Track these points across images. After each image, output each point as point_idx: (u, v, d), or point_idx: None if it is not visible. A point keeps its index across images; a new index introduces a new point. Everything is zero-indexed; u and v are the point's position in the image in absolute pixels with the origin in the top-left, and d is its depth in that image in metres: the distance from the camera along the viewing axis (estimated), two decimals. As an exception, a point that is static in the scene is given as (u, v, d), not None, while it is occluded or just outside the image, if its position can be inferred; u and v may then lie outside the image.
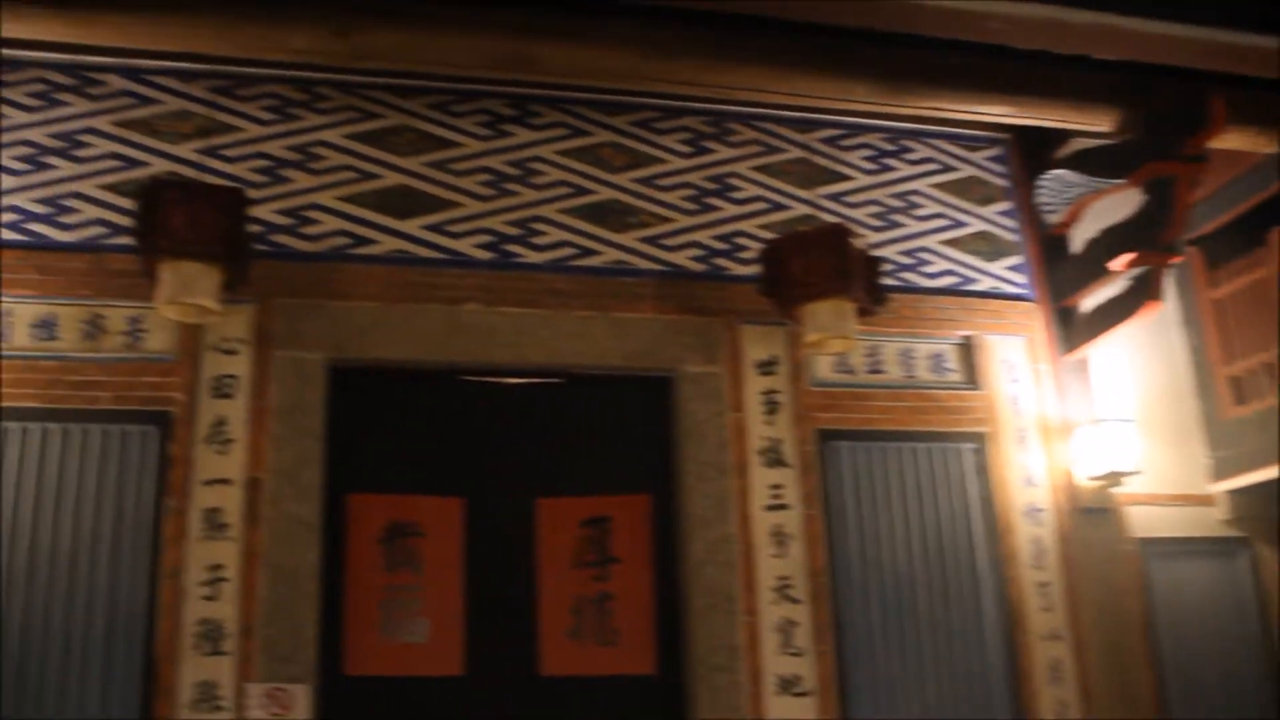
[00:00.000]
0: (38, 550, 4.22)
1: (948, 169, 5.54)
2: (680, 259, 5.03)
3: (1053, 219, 5.48)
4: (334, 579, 4.44)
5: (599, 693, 4.52)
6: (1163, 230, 4.79)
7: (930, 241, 5.37)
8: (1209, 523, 5.56)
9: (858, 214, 5.29)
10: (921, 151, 5.53)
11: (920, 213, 5.41)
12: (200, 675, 4.14)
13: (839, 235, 4.45)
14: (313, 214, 4.78)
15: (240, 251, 4.15)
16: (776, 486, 4.75)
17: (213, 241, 4.05)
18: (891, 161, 5.47)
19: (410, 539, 4.55)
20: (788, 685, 4.52)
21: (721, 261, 5.06)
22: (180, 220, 4.04)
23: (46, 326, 4.47)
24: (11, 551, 4.20)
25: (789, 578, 4.64)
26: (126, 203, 4.54)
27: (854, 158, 5.42)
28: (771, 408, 4.86)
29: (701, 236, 5.09)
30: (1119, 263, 4.89)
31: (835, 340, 4.45)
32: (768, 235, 4.99)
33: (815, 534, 4.73)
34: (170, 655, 4.15)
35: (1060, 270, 5.39)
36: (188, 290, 4.01)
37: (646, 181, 5.13)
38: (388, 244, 4.79)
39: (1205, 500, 5.59)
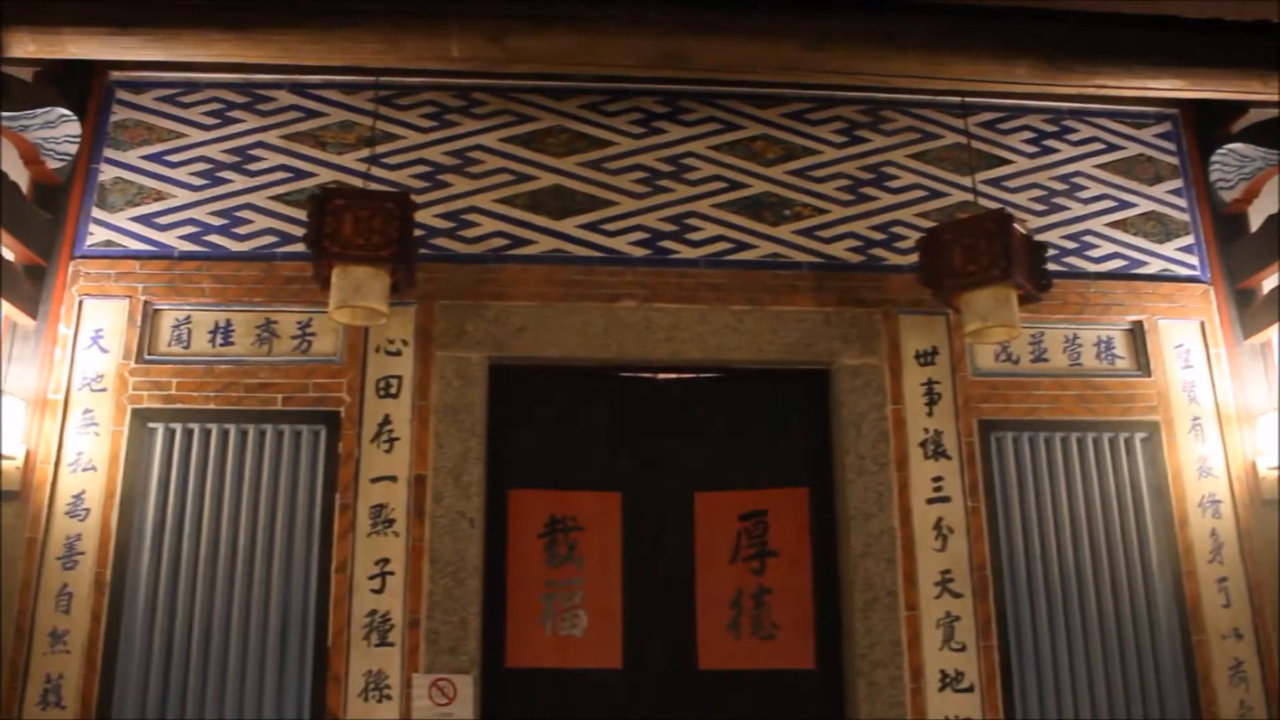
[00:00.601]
0: (218, 546, 4.50)
1: (1113, 148, 5.31)
2: (836, 250, 4.98)
3: (1228, 196, 5.20)
4: (496, 573, 4.57)
5: (758, 687, 4.54)
6: (1352, 205, 4.51)
7: (1096, 224, 5.16)
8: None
9: (1018, 199, 5.13)
10: (1085, 131, 5.32)
11: (1084, 195, 5.21)
12: (369, 665, 4.34)
13: (1000, 221, 4.32)
14: (472, 216, 4.92)
15: (408, 254, 4.30)
16: (938, 479, 4.67)
17: (381, 246, 4.20)
18: (1053, 143, 5.28)
19: (570, 533, 4.65)
20: (951, 681, 4.46)
21: (879, 251, 4.99)
22: (350, 226, 4.21)
23: (223, 332, 4.74)
24: (194, 547, 4.49)
25: (951, 571, 4.56)
26: (295, 212, 4.79)
27: (1014, 141, 5.26)
28: (932, 399, 4.78)
29: (858, 227, 5.03)
30: (1304, 241, 4.62)
31: (997, 329, 4.33)
32: (926, 224, 4.89)
33: (978, 527, 4.63)
34: (340, 646, 4.36)
35: (1237, 250, 5.11)
36: (359, 294, 4.17)
37: (800, 173, 5.10)
38: (545, 243, 4.90)
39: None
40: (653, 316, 4.78)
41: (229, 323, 4.75)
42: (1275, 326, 4.89)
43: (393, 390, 4.64)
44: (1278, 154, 4.96)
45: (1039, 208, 5.14)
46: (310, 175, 4.93)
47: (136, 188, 4.91)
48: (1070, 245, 5.10)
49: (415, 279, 4.53)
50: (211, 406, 4.61)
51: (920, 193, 5.12)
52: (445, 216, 4.91)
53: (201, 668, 4.38)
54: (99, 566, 4.40)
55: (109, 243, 4.81)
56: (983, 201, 4.85)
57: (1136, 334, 5.00)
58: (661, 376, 4.89)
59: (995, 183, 5.16)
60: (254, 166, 4.96)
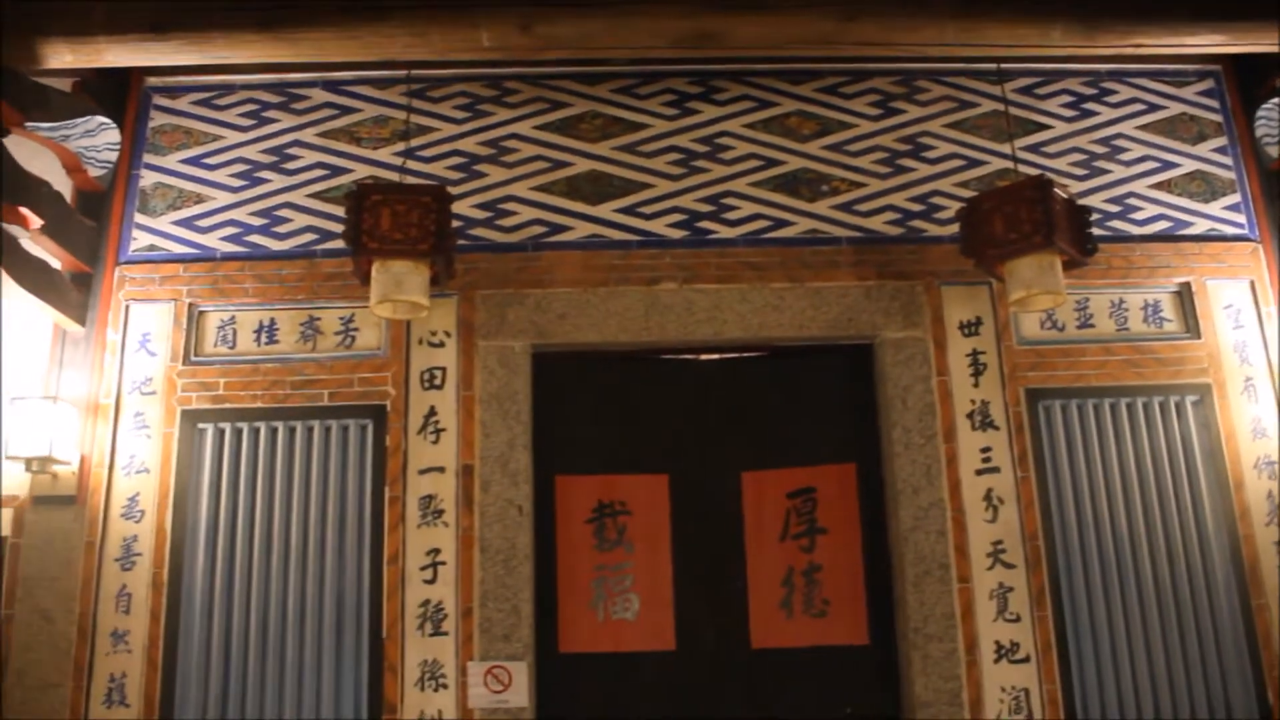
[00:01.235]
0: (270, 543, 4.56)
1: (1154, 108, 5.22)
2: (876, 224, 4.94)
3: (1275, 151, 5.08)
4: (546, 559, 4.60)
5: (811, 665, 4.53)
6: (1406, 155, 4.40)
7: (1139, 186, 5.08)
8: None
9: (1059, 164, 5.06)
10: (1125, 92, 5.23)
11: (1126, 157, 5.12)
12: (424, 655, 4.39)
13: (1040, 187, 4.26)
14: (509, 205, 4.93)
15: (446, 247, 4.31)
16: (986, 449, 4.63)
17: (419, 239, 4.22)
18: (1092, 106, 5.20)
19: (618, 517, 4.66)
20: (1006, 652, 4.43)
21: (918, 223, 4.94)
22: (388, 221, 4.23)
23: (268, 331, 4.79)
24: (247, 545, 4.56)
25: (1003, 542, 4.53)
26: (334, 209, 4.82)
27: (1052, 105, 5.18)
28: (978, 369, 4.73)
29: (896, 199, 4.99)
30: (1356, 193, 4.52)
31: (1042, 296, 4.28)
32: (965, 193, 4.85)
33: (1029, 497, 4.59)
34: (395, 637, 4.41)
35: (1286, 206, 5.02)
36: (399, 288, 4.19)
37: (836, 148, 5.06)
38: (582, 229, 4.90)
39: None
40: (693, 298, 4.77)
41: (273, 321, 4.80)
42: (1328, 282, 4.81)
43: (437, 381, 4.67)
44: (1325, 106, 4.87)
45: (1080, 172, 5.07)
46: (347, 171, 4.97)
47: (177, 192, 4.96)
48: (1113, 209, 5.02)
49: (455, 270, 4.56)
50: (259, 405, 4.68)
51: (959, 162, 5.06)
52: (482, 206, 4.92)
53: (259, 663, 4.46)
54: (156, 567, 4.48)
55: (152, 247, 4.88)
56: (1022, 168, 4.79)
57: (1184, 296, 4.93)
58: (704, 357, 4.89)
59: (1035, 149, 5.09)
60: (291, 165, 5.00)
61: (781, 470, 4.71)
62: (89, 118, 4.84)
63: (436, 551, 4.48)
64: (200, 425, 4.67)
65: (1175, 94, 5.25)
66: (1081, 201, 4.68)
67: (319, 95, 5.10)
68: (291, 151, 5.02)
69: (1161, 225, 5.02)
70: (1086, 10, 4.32)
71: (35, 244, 4.46)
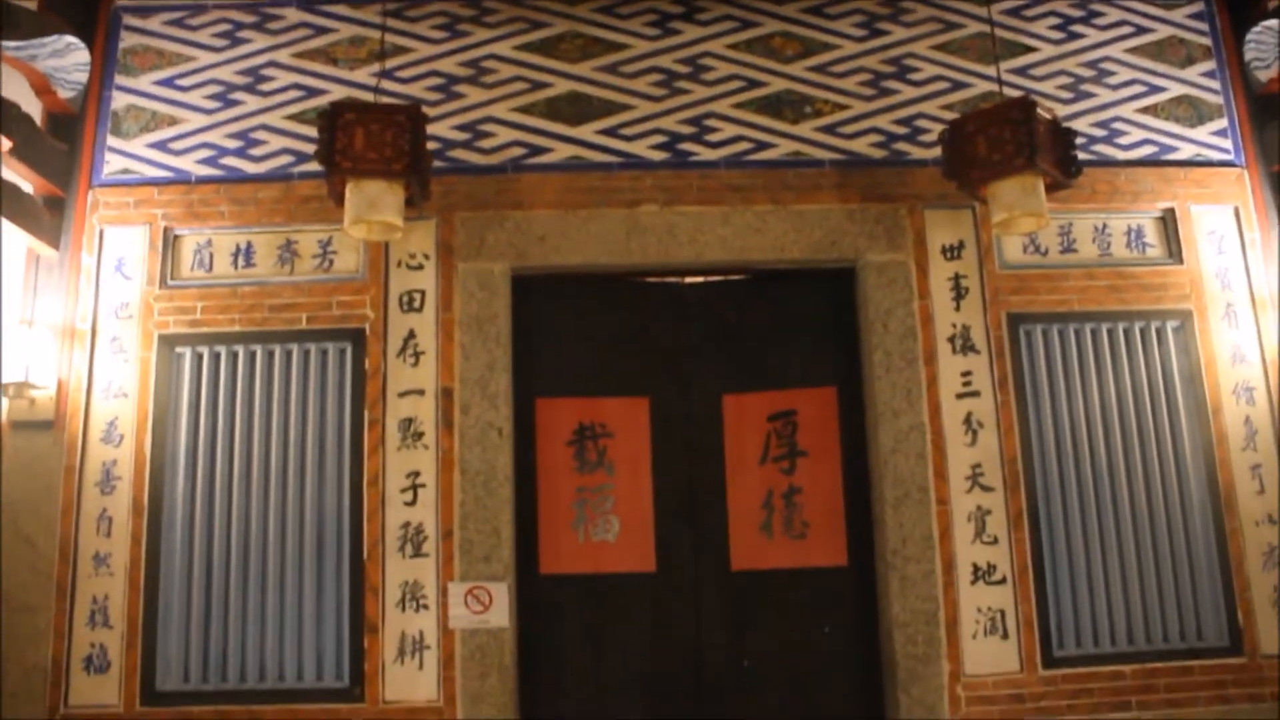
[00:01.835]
0: (250, 466, 4.56)
1: (1142, 31, 5.16)
2: (859, 146, 4.89)
3: (1264, 76, 5.04)
4: (527, 482, 4.60)
5: (790, 586, 4.57)
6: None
7: (1125, 110, 5.03)
8: None
9: (1045, 87, 5.00)
10: (1113, 15, 5.16)
11: (1113, 80, 5.07)
12: (404, 576, 4.41)
13: (1024, 108, 4.19)
14: (488, 127, 4.86)
15: (421, 167, 4.23)
16: (967, 373, 4.63)
17: (394, 159, 4.13)
18: (1080, 28, 5.13)
19: (599, 440, 4.66)
20: (983, 574, 4.47)
21: (902, 146, 4.89)
22: (361, 141, 4.14)
23: (245, 254, 4.74)
24: (227, 468, 4.56)
25: (982, 465, 4.55)
26: (310, 131, 4.70)
27: (1039, 28, 5.10)
28: (960, 293, 4.72)
29: (880, 121, 4.93)
30: (1344, 118, 4.48)
31: (1024, 218, 4.24)
32: (950, 116, 4.78)
33: (1008, 420, 4.61)
34: (376, 558, 4.43)
35: (1274, 132, 4.96)
36: (373, 208, 4.12)
37: (820, 69, 4.98)
38: (562, 151, 4.83)
39: None
40: (674, 220, 4.73)
41: (250, 245, 4.74)
42: (1313, 209, 4.79)
43: (416, 304, 4.63)
44: (1317, 30, 4.81)
45: (1066, 95, 5.02)
46: (323, 93, 4.87)
47: (150, 114, 4.87)
48: (1099, 133, 4.98)
49: (431, 192, 4.48)
50: (237, 329, 4.64)
51: (943, 84, 5.00)
52: (461, 128, 4.85)
53: (241, 585, 4.48)
54: (136, 491, 4.48)
55: (126, 170, 4.80)
56: (1008, 91, 4.68)
57: (1168, 221, 4.91)
58: (685, 280, 4.85)
59: (1021, 71, 5.03)
60: (266, 87, 4.90)
61: (762, 393, 4.71)
62: (57, 37, 4.71)
63: (416, 474, 4.48)
64: (178, 349, 4.64)
65: (1164, 16, 5.19)
66: (1067, 125, 4.62)
67: (293, 15, 4.99)
68: (266, 73, 4.92)
69: (1147, 150, 4.99)
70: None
71: (6, 167, 4.38)
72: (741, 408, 4.70)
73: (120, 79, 4.91)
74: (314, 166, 4.58)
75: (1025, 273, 4.78)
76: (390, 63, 4.89)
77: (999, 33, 4.98)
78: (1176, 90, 5.09)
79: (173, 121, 4.86)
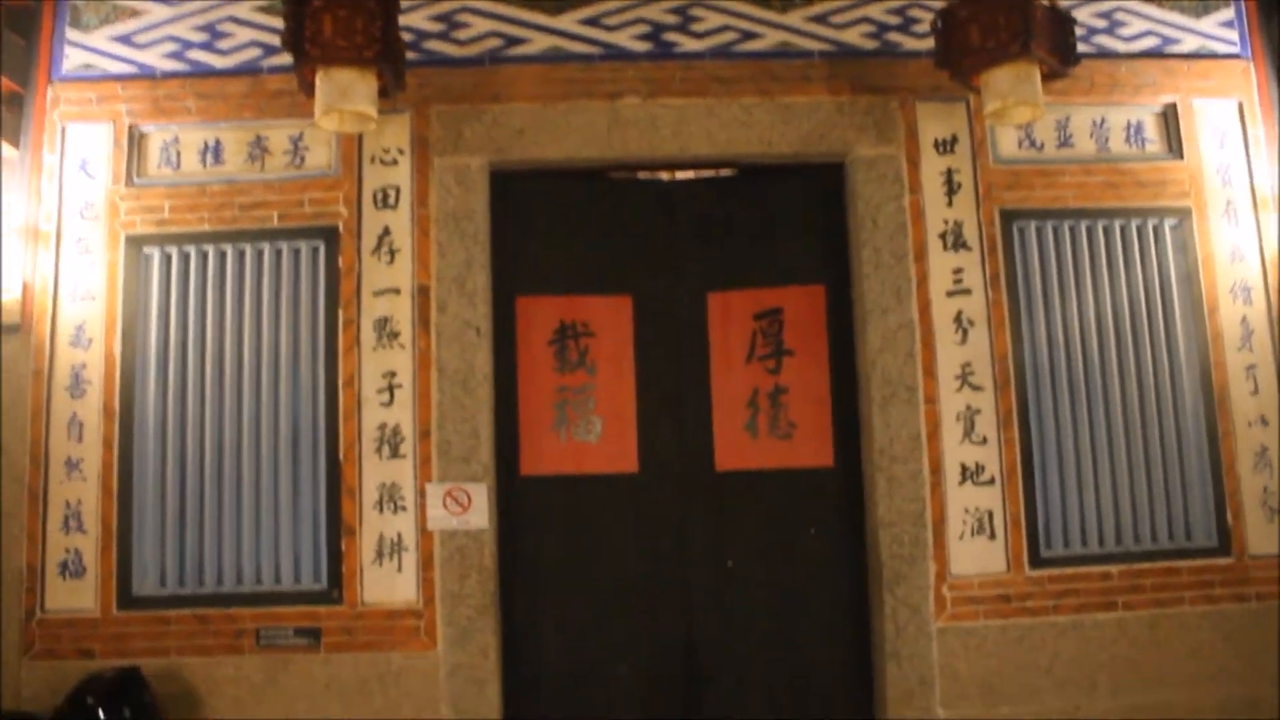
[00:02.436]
0: (223, 368, 4.46)
1: (1147, -86, 4.95)
2: (850, 36, 4.69)
3: (1274, -38, 4.86)
4: (506, 382, 4.51)
5: (776, 487, 4.50)
6: None
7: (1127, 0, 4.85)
8: None
9: (1044, -27, 4.81)
10: (1116, -105, 4.95)
11: (1115, -34, 4.87)
12: (382, 478, 4.34)
13: (1020, -9, 4.05)
14: (464, 17, 4.65)
15: (393, 54, 4.08)
16: (958, 271, 4.51)
17: (365, 46, 3.98)
18: (1082, -91, 4.91)
19: (581, 339, 4.55)
20: (971, 474, 4.41)
21: (894, 36, 4.69)
22: (330, 27, 3.98)
23: (213, 151, 4.58)
24: (199, 370, 4.46)
25: (972, 364, 4.46)
26: (279, 22, 4.45)
27: (1039, -93, 4.89)
28: (952, 188, 4.57)
29: (872, 11, 4.72)
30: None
31: (1019, 108, 4.10)
32: (943, 3, 4.58)
33: (999, 319, 4.50)
34: (352, 460, 4.35)
35: (1282, 23, 4.80)
36: (345, 97, 3.98)
37: (811, -46, 4.77)
38: (541, 42, 4.63)
39: None
40: (657, 113, 4.56)
41: (218, 142, 4.58)
42: (1319, 102, 4.64)
43: (391, 201, 4.49)
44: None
45: (1066, -17, 4.82)
46: (293, -19, 4.66)
47: (110, 5, 4.67)
48: (1100, 23, 4.79)
49: (405, 82, 4.32)
50: (206, 228, 4.51)
51: (938, -29, 4.79)
52: (436, 19, 4.65)
53: (216, 488, 4.41)
54: (106, 394, 4.39)
55: (87, 65, 4.61)
56: (1005, -23, 4.54)
57: (1169, 116, 4.76)
58: (670, 176, 4.70)
59: (1019, -43, 4.81)
60: (234, -24, 4.69)
61: (748, 291, 4.59)
62: (7, -78, 4.52)
63: (393, 374, 4.38)
64: (146, 250, 4.50)
65: (1170, -102, 4.97)
66: (1065, 10, 4.45)
67: (261, -102, 4.76)
68: (234, -39, 4.70)
69: (1149, 42, 4.81)
70: None
71: (-39, 61, 4.22)
72: (727, 306, 4.58)
73: (78, -32, 4.69)
74: (284, 59, 4.39)
75: (1020, 168, 4.64)
76: (361, -51, 4.66)
77: (997, -85, 4.77)
78: (1181, -22, 4.90)
79: (134, 14, 4.66)
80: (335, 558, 4.32)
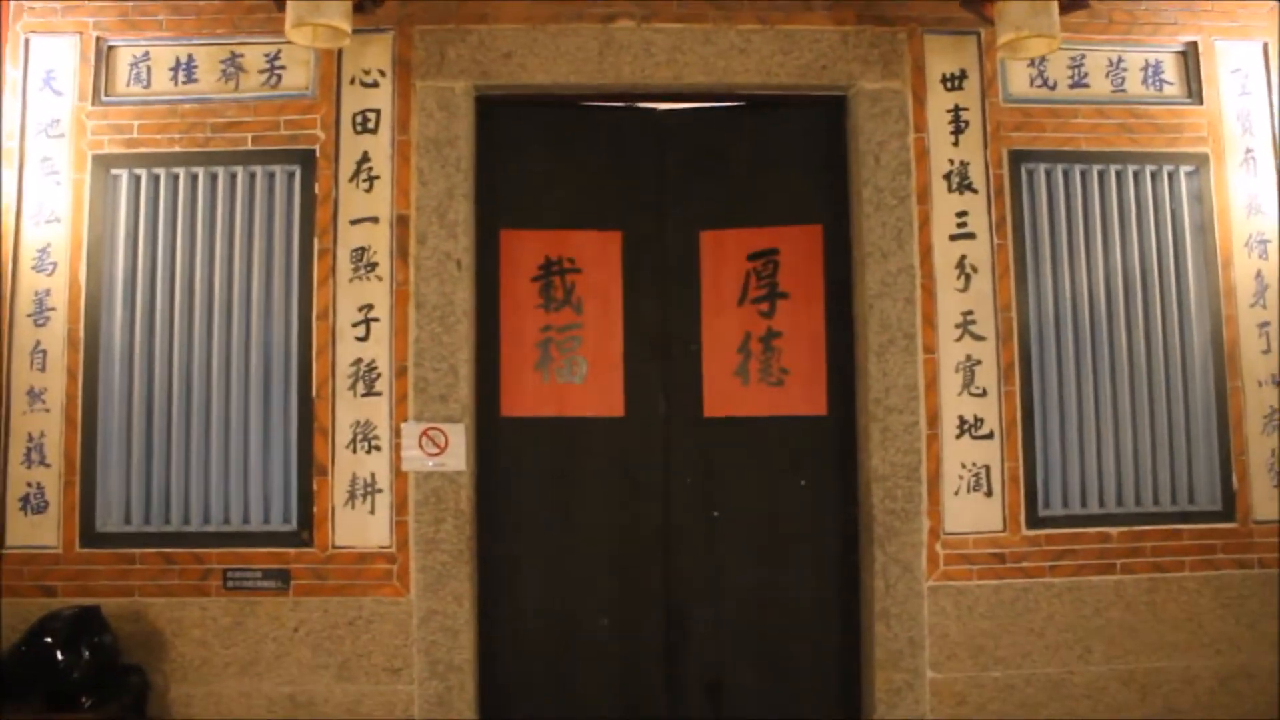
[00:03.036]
0: (192, 297, 4.28)
1: None
2: (856, -41, 4.46)
3: (1310, -110, 4.61)
4: (488, 319, 4.33)
5: (766, 435, 4.34)
6: None
7: (1152, -69, 4.61)
8: None
9: (1064, -101, 4.55)
10: None
11: (1141, -103, 4.62)
12: (356, 415, 4.17)
13: (1039, -82, 3.82)
14: (450, -71, 4.42)
15: (370, -35, 3.88)
16: (962, 214, 4.31)
17: (338, -46, 3.77)
18: None
19: (567, 275, 4.36)
20: (969, 427, 4.25)
21: (903, -37, 4.47)
22: (307, -67, 3.76)
23: (185, 68, 4.36)
24: (168, 299, 4.28)
25: (974, 313, 4.27)
26: (256, -69, 4.30)
27: None
28: (959, 127, 4.36)
29: (880, -67, 4.49)
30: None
31: (1034, 40, 3.88)
32: (957, -74, 4.36)
33: (1004, 265, 4.31)
34: (325, 396, 4.18)
35: (1313, -40, 4.57)
36: (317, 10, 3.75)
37: None
38: (531, -42, 4.40)
39: None
40: (651, 38, 4.32)
41: (191, 58, 4.36)
42: (1350, 44, 4.42)
43: (370, 125, 4.27)
44: None
45: (1088, -87, 4.57)
46: (269, -110, 4.41)
47: (78, -89, 4.43)
48: (1119, -42, 4.56)
49: (384, -1, 4.10)
50: (177, 149, 4.31)
51: (952, -107, 4.54)
52: (421, -69, 4.41)
53: (184, 422, 4.25)
54: (71, 322, 4.23)
55: (51, -27, 4.38)
56: (1023, -96, 4.29)
57: (1189, 57, 4.53)
58: (663, 107, 4.48)
59: (1038, -117, 4.56)
60: (207, -117, 4.44)
61: (742, 230, 4.39)
62: None
63: (369, 307, 4.19)
64: (114, 171, 4.30)
65: None
66: (1087, -57, 4.22)
67: None
68: None
69: (1171, -23, 4.58)
70: None
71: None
72: (720, 245, 4.38)
73: None
74: (260, -28, 4.19)
75: (1031, 107, 4.42)
76: None
77: None
78: (1210, -90, 4.64)
79: (103, -80, 4.42)
80: (306, 498, 4.16)
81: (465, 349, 4.18)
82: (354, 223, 4.23)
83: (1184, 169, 4.48)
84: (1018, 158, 4.38)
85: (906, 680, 4.16)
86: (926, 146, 4.34)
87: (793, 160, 4.45)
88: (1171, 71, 4.54)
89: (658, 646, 4.30)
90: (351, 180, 4.25)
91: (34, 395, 4.18)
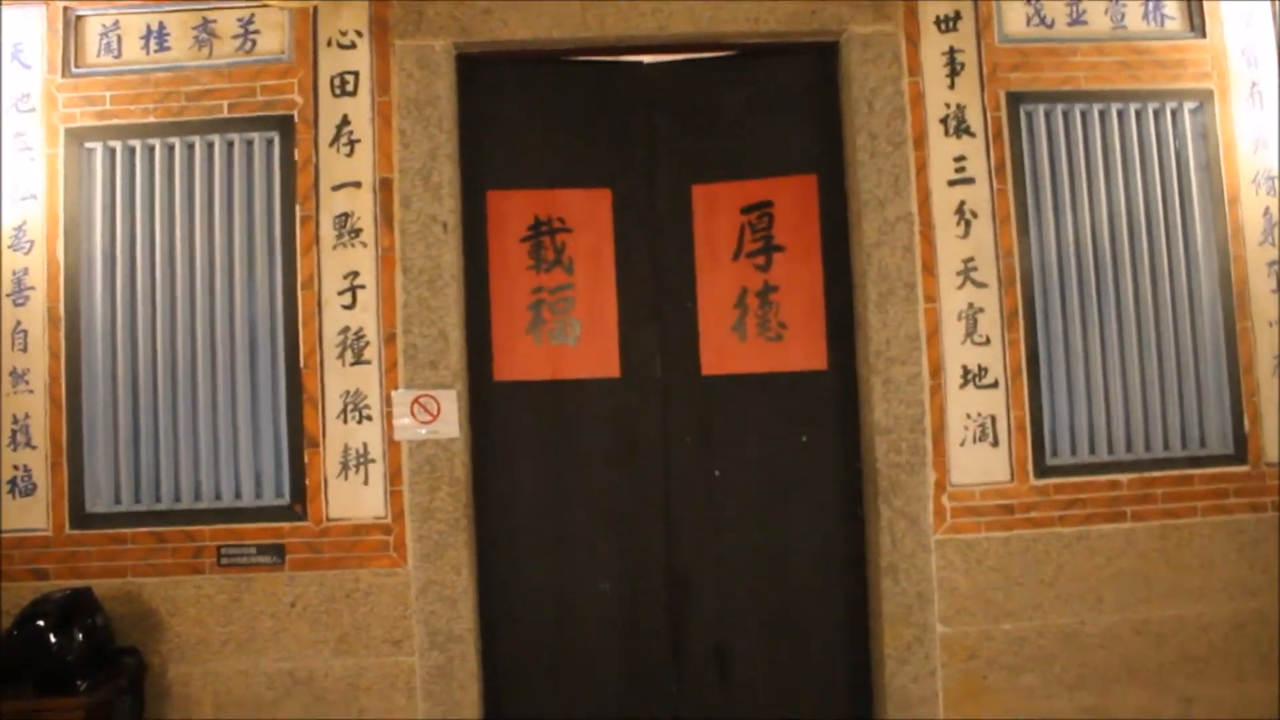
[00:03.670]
0: (173, 270, 4.18)
1: None
2: (844, -102, 4.32)
3: None
4: (478, 282, 4.23)
5: (765, 391, 4.24)
6: None
7: None
8: None
9: None
10: None
11: None
12: (345, 385, 4.08)
13: None
14: (428, -118, 4.28)
15: (345, -78, 3.75)
16: (960, 158, 4.19)
17: (314, -88, 3.66)
18: None
19: (557, 235, 4.25)
20: (973, 376, 4.15)
21: (895, -102, 4.32)
22: (278, -107, 3.64)
23: (157, 36, 4.24)
24: (149, 274, 4.18)
25: (975, 259, 4.17)
26: (227, -109, 4.17)
27: None
28: (954, 69, 4.23)
29: None
30: None
31: (1031, -25, 3.78)
32: None
33: (1005, 210, 4.20)
34: (313, 367, 4.09)
35: (1317, -116, 4.42)
36: (292, -30, 3.66)
37: None
38: (509, -91, 4.27)
39: None
40: (635, -13, 4.21)
41: (162, 25, 4.24)
42: (1354, -27, 4.29)
43: (349, 87, 4.15)
44: None
45: None
46: None
47: None
48: (1117, -111, 4.42)
49: (358, -46, 3.98)
50: (152, 120, 4.19)
51: None
52: (405, -113, 4.27)
53: (170, 399, 4.17)
54: (51, 301, 4.14)
55: (17, -57, 4.25)
56: None
57: (1190, -10, 4.41)
58: (650, 59, 4.35)
59: None
60: None
61: (735, 183, 4.27)
62: None
63: (355, 274, 4.09)
64: (88, 144, 4.19)
65: None
66: None
67: None
68: None
69: (1172, -92, 4.45)
70: None
71: None
72: (712, 199, 4.27)
73: None
74: (229, -68, 4.06)
75: (1028, 46, 4.28)
76: None
77: None
78: None
79: (63, -121, 4.29)
80: (298, 471, 4.08)
81: (454, 313, 4.08)
82: (336, 188, 4.12)
83: (1187, 105, 4.36)
84: (1016, 99, 4.25)
85: (916, 635, 4.09)
86: (921, 90, 4.22)
87: (784, 109, 4.33)
88: (1173, 6, 4.40)
89: (661, 609, 4.23)
90: (332, 145, 4.13)
91: (17, 376, 4.09)
